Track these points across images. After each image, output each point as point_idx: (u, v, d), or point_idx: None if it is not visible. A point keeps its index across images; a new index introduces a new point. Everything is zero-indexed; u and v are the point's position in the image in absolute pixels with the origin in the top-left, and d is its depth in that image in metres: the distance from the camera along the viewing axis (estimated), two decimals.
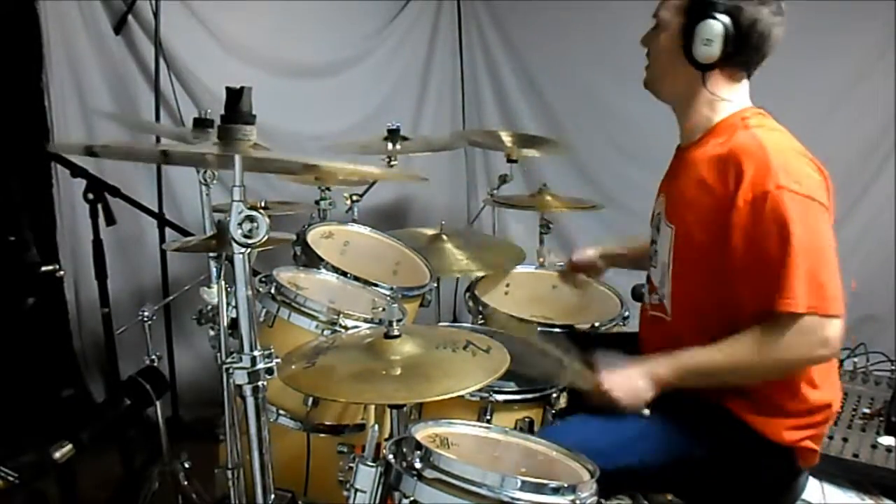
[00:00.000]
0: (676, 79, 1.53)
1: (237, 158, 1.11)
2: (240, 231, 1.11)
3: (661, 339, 1.58)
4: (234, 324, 1.50)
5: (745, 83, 1.54)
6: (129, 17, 2.67)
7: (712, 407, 1.49)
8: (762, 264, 1.37)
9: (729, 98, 1.52)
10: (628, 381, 1.47)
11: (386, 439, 1.32)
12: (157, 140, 2.65)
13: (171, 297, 2.52)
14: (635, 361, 1.50)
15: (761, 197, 1.36)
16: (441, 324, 2.34)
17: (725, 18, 1.43)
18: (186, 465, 1.99)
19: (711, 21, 1.43)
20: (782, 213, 1.35)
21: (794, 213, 1.34)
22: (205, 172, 1.68)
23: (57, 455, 1.65)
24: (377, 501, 1.24)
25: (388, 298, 1.97)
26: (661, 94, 1.60)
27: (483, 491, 1.13)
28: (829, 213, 1.41)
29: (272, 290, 1.81)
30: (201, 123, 1.72)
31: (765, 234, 1.36)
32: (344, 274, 2.03)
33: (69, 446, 1.67)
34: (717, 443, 1.48)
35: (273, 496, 1.26)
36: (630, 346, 1.73)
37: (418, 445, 1.20)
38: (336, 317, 1.77)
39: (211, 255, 1.61)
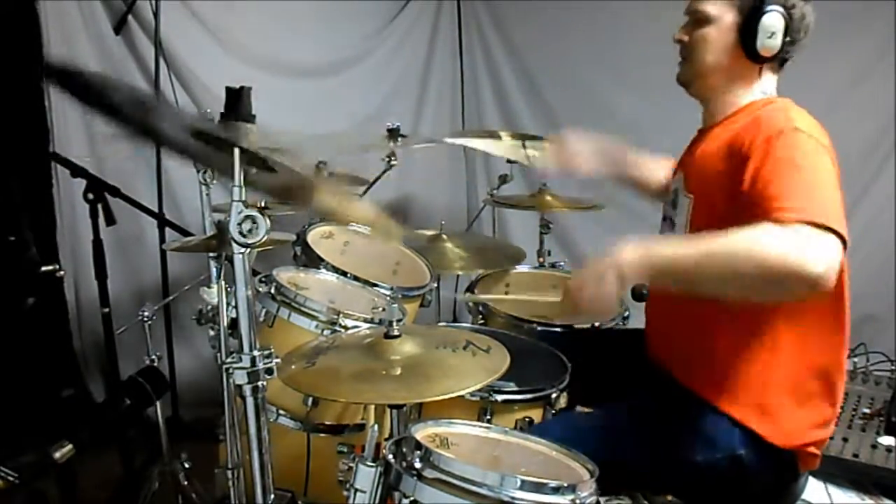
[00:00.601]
0: (726, 73, 1.53)
1: (236, 153, 1.11)
2: (240, 231, 1.11)
3: (671, 312, 1.58)
4: (234, 324, 1.50)
5: (777, 75, 1.56)
6: (129, 17, 2.67)
7: (713, 410, 1.48)
8: (766, 194, 1.30)
9: (765, 87, 1.54)
10: (594, 280, 1.31)
11: (386, 439, 1.32)
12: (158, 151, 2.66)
13: (171, 297, 2.52)
14: (603, 255, 1.33)
15: (776, 135, 1.35)
16: (441, 324, 2.34)
17: (783, 11, 1.46)
18: (186, 465, 1.99)
19: (774, 14, 1.45)
20: (793, 147, 1.33)
21: (804, 149, 1.33)
22: (204, 172, 1.69)
23: (57, 455, 1.65)
24: (377, 501, 1.24)
25: (388, 298, 1.97)
26: (704, 89, 1.58)
27: (483, 491, 1.13)
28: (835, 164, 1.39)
29: (272, 290, 1.81)
30: None
31: (773, 169, 1.32)
32: (344, 274, 2.03)
33: (69, 446, 1.67)
34: (717, 446, 1.47)
35: (273, 496, 1.26)
36: (633, 344, 1.74)
37: (418, 445, 1.20)
38: (336, 317, 1.77)
39: (211, 255, 1.61)
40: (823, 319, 1.45)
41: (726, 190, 1.42)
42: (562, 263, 2.54)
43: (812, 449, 1.49)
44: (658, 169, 1.90)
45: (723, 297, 1.32)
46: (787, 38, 1.47)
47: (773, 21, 1.45)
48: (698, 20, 1.53)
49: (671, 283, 1.34)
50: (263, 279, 1.85)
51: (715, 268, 1.26)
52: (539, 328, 2.09)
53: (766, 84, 1.54)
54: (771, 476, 1.49)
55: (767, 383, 1.46)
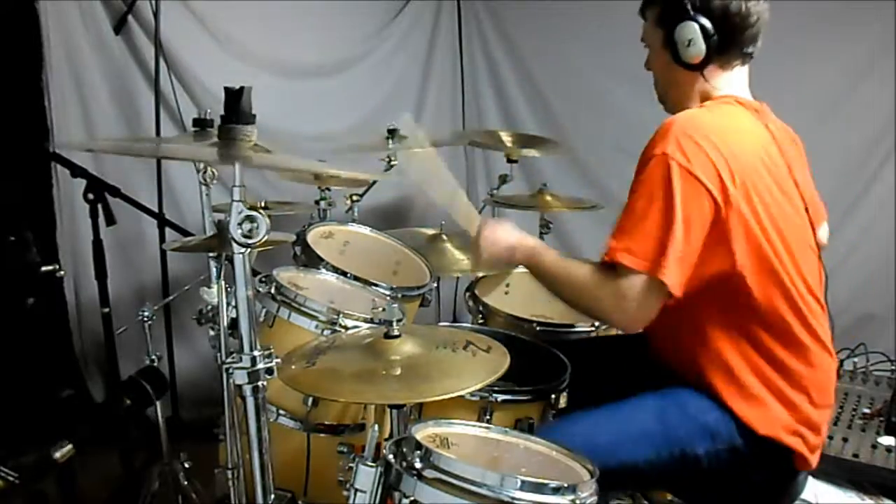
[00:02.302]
0: (679, 86, 1.57)
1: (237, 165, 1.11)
2: (240, 231, 1.11)
3: (670, 312, 1.58)
4: (234, 324, 1.50)
5: (739, 70, 1.55)
6: (129, 17, 2.67)
7: (711, 405, 1.49)
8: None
9: (721, 87, 1.54)
10: (494, 241, 1.61)
11: (386, 439, 1.32)
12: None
13: (171, 297, 2.52)
14: (513, 230, 1.62)
15: (648, 159, 1.41)
16: (441, 324, 2.34)
17: (697, 16, 1.46)
18: (186, 465, 1.99)
19: (684, 23, 1.47)
20: (652, 175, 1.39)
21: (656, 178, 1.38)
22: (204, 172, 1.69)
23: (57, 455, 1.65)
24: (377, 501, 1.24)
25: (388, 298, 1.97)
26: (670, 107, 1.61)
27: (483, 491, 1.13)
28: (710, 193, 1.38)
29: (272, 290, 1.81)
30: (201, 123, 1.72)
31: (634, 190, 1.43)
32: (344, 274, 2.03)
33: (69, 446, 1.66)
34: (716, 440, 1.48)
35: (273, 496, 1.26)
36: (633, 347, 1.74)
37: (418, 445, 1.20)
38: (336, 317, 1.77)
39: (211, 255, 1.61)
40: (777, 321, 1.47)
41: None
42: None
43: (801, 445, 1.48)
44: None
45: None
46: (715, 37, 1.46)
47: (684, 31, 1.47)
48: (647, 47, 1.60)
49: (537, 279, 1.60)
50: (263, 279, 1.85)
51: (551, 281, 1.54)
52: (539, 328, 2.09)
53: (717, 84, 1.54)
54: (767, 471, 1.50)
55: (749, 377, 1.48)
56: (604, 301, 1.43)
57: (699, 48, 1.47)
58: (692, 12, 1.46)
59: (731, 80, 1.55)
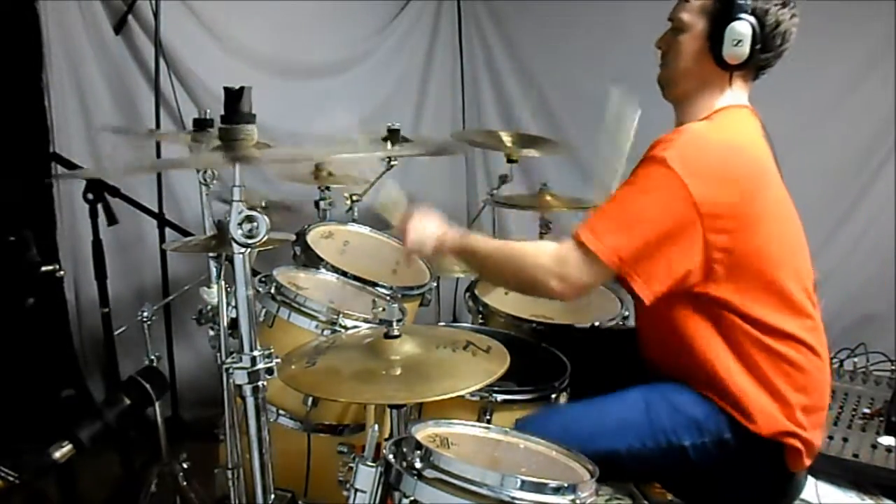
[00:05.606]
0: (697, 79, 1.54)
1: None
2: (240, 231, 1.11)
3: (652, 311, 1.58)
4: (234, 324, 1.50)
5: (750, 84, 1.56)
6: (129, 17, 2.67)
7: (699, 396, 1.50)
8: None
9: (734, 96, 1.54)
10: (421, 231, 1.59)
11: (386, 439, 1.32)
12: (158, 146, 2.66)
13: (171, 297, 2.52)
14: (438, 221, 1.61)
15: (646, 160, 1.44)
16: (441, 324, 2.34)
17: (752, 19, 1.45)
18: (186, 465, 1.99)
19: (741, 22, 1.44)
20: (639, 174, 1.44)
21: (646, 180, 1.42)
22: (205, 172, 1.69)
23: (57, 455, 1.65)
24: (377, 501, 1.24)
25: (388, 298, 1.97)
26: (676, 94, 1.58)
27: (483, 490, 1.13)
28: (699, 209, 1.37)
29: (272, 290, 1.81)
30: (201, 123, 1.73)
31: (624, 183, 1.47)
32: (344, 274, 2.03)
33: (69, 446, 1.66)
34: (703, 433, 1.48)
35: (273, 496, 1.26)
36: (630, 342, 1.74)
37: (418, 445, 1.20)
38: (336, 317, 1.77)
39: (211, 255, 1.61)
40: (771, 308, 1.46)
41: None
42: None
43: (793, 442, 1.47)
44: None
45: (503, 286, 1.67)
46: (758, 46, 1.46)
47: (740, 29, 1.44)
48: (675, 27, 1.55)
49: (467, 265, 1.68)
50: (263, 279, 1.85)
51: (491, 266, 1.58)
52: (539, 328, 2.09)
53: (738, 92, 1.54)
54: (758, 467, 1.50)
55: (731, 369, 1.47)
56: (544, 267, 1.44)
57: (743, 51, 1.46)
58: (750, 13, 1.44)
59: (745, 91, 1.55)
